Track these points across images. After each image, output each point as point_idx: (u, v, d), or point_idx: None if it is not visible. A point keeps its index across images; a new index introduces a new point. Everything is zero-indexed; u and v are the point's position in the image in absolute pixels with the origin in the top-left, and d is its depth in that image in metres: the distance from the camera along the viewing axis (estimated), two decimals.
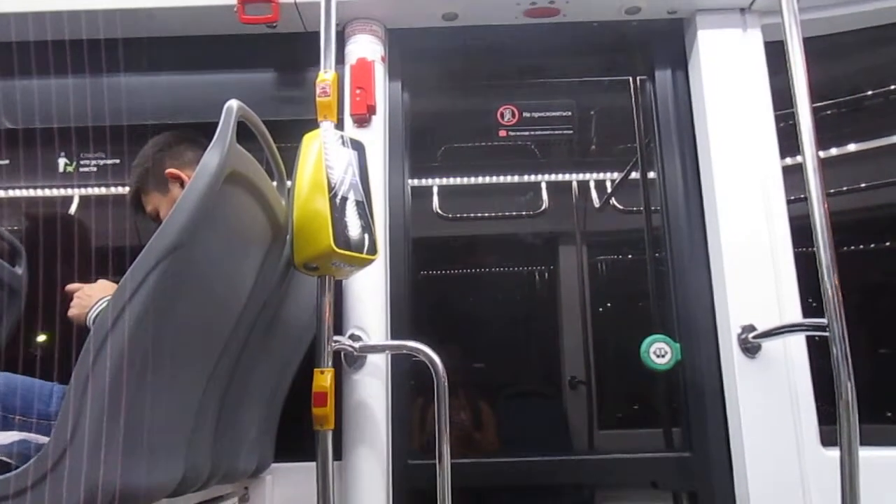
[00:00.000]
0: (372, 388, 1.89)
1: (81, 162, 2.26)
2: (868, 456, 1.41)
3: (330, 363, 1.49)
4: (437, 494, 1.60)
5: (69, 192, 2.34)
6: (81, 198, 2.34)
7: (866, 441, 1.40)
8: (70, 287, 1.58)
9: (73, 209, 2.35)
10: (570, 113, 2.28)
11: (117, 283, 1.10)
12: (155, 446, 1.21)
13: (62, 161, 2.25)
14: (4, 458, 1.07)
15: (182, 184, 1.76)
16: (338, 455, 1.79)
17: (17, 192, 2.36)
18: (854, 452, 1.39)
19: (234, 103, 1.25)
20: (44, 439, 1.11)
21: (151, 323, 1.08)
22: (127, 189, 1.92)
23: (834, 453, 1.46)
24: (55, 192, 2.34)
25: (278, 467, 1.92)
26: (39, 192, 2.36)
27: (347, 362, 1.90)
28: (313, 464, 1.47)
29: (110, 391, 1.03)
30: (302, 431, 1.70)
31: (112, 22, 2.11)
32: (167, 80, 2.23)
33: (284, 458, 1.92)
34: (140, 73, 2.22)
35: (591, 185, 2.63)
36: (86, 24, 2.12)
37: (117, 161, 2.24)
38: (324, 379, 1.46)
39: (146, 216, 1.85)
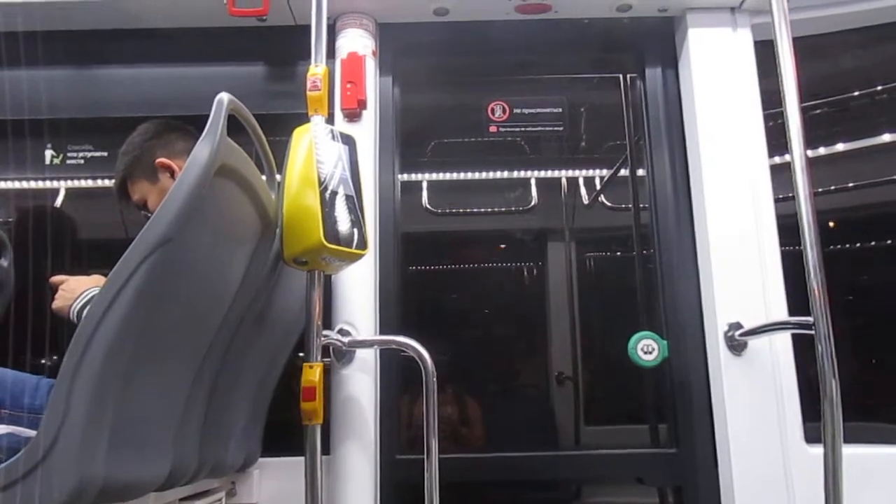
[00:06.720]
0: (360, 383, 1.89)
1: (68, 154, 2.24)
2: (851, 453, 1.42)
3: (319, 358, 1.48)
4: (424, 489, 1.61)
5: (56, 184, 2.31)
6: (68, 190, 2.32)
7: (849, 438, 1.42)
8: (54, 279, 1.55)
9: (59, 201, 2.33)
10: (560, 109, 2.29)
11: (105, 276, 1.09)
12: (143, 440, 1.21)
13: (49, 153, 2.23)
14: None
15: (173, 174, 1.74)
16: (326, 450, 1.79)
17: (3, 185, 2.33)
18: (837, 449, 1.40)
19: (224, 96, 1.24)
20: (31, 433, 1.10)
21: (140, 316, 1.08)
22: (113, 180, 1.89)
23: (818, 450, 1.48)
24: (42, 185, 2.31)
25: (266, 462, 1.91)
26: (26, 185, 2.34)
27: (336, 357, 1.90)
28: (301, 458, 1.46)
29: (98, 384, 1.03)
30: (290, 426, 1.70)
31: (102, 13, 2.09)
32: (157, 72, 2.22)
33: (272, 452, 1.91)
34: (129, 66, 2.21)
35: (581, 181, 2.63)
36: (76, 15, 2.10)
37: (105, 154, 2.22)
38: (312, 373, 1.46)
39: (132, 204, 1.82)
